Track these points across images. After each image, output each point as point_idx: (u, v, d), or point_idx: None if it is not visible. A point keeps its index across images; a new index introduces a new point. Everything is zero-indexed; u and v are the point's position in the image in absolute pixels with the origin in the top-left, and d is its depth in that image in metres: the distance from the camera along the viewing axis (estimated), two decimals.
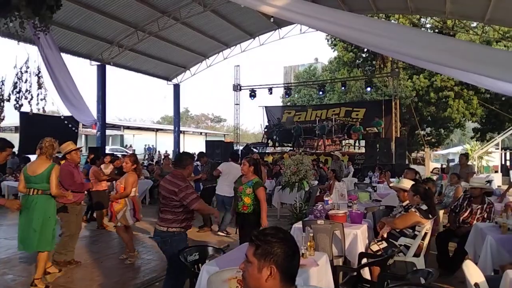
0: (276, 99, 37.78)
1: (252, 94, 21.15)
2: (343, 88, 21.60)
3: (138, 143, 33.84)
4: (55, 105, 11.02)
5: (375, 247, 4.55)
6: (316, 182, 10.59)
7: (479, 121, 25.05)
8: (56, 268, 5.19)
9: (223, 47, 20.06)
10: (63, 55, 12.98)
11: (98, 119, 16.85)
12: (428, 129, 26.39)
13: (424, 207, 4.54)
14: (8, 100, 5.93)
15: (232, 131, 28.96)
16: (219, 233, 7.78)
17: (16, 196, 10.89)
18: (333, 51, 27.41)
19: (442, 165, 19.34)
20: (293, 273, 1.66)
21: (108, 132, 21.33)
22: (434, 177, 13.09)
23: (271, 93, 21.08)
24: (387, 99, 20.05)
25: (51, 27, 6.35)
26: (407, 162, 16.87)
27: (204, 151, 17.61)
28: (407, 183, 5.14)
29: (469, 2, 12.75)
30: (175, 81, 21.93)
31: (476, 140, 26.03)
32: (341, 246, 4.52)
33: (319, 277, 3.21)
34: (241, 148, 21.89)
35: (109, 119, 20.70)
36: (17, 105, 5.97)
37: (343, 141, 19.10)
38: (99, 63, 17.16)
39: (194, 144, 32.91)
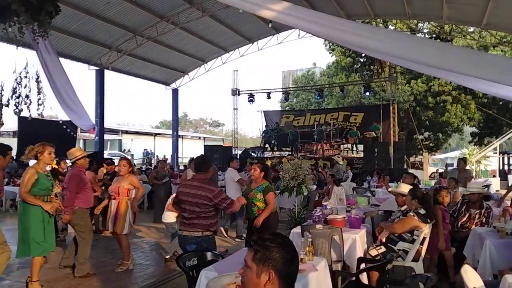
0: (275, 104, 37.87)
1: (251, 99, 21.19)
2: (341, 92, 21.68)
3: (136, 147, 33.80)
4: (53, 110, 11.02)
5: (373, 252, 4.54)
6: (315, 186, 10.59)
7: (477, 125, 25.14)
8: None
9: (222, 52, 20.13)
10: (62, 59, 12.99)
11: (96, 123, 16.85)
12: (426, 134, 26.46)
13: (422, 211, 4.54)
14: (7, 106, 5.93)
15: (230, 135, 28.96)
16: (236, 239, 7.78)
17: (14, 201, 10.85)
18: (331, 56, 27.57)
19: (437, 169, 19.35)
20: (292, 278, 1.66)
21: (106, 136, 21.33)
22: (432, 182, 13.14)
23: (269, 97, 21.13)
24: (385, 103, 20.11)
25: (49, 32, 6.36)
26: (405, 166, 16.90)
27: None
28: (405, 188, 5.15)
29: (466, 8, 12.84)
30: (173, 85, 21.97)
31: (474, 145, 26.08)
32: (340, 251, 4.51)
33: (318, 282, 3.20)
34: (239, 152, 21.92)
35: (107, 124, 20.72)
36: (17, 110, 5.97)
37: (342, 146, 19.15)
38: (97, 68, 17.19)
39: (192, 149, 32.87)
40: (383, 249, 4.53)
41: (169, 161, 20.18)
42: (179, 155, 25.21)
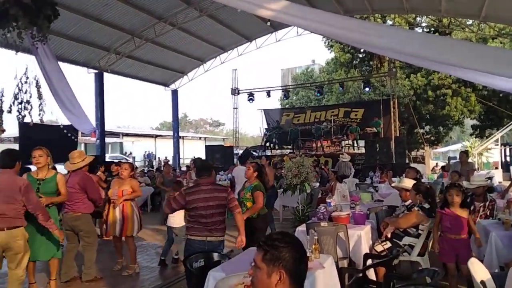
0: (275, 102, 37.93)
1: (251, 98, 21.15)
2: (341, 89, 21.65)
3: (137, 150, 33.85)
4: (53, 115, 11.02)
5: (379, 248, 4.55)
6: (318, 184, 10.59)
7: (478, 118, 25.09)
8: None
9: (220, 51, 20.10)
10: (60, 63, 12.95)
11: (97, 127, 16.84)
12: (427, 127, 26.43)
13: (426, 205, 4.54)
14: (10, 112, 5.92)
15: (231, 135, 28.97)
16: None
17: None
18: (330, 52, 27.50)
19: (437, 163, 19.33)
20: (302, 277, 1.66)
21: (107, 140, 21.33)
22: (435, 176, 13.14)
23: (269, 96, 21.09)
24: (385, 98, 20.06)
25: (48, 36, 6.36)
26: (407, 161, 16.88)
27: (204, 156, 17.66)
28: (408, 183, 5.16)
29: (464, 0, 12.81)
30: (173, 86, 21.94)
31: (475, 137, 26.07)
32: (346, 247, 4.51)
33: (325, 279, 3.21)
34: (240, 152, 21.91)
35: (108, 127, 20.68)
36: (20, 116, 5.97)
37: (343, 142, 19.12)
38: (96, 71, 17.17)
39: (193, 149, 32.90)
40: (388, 244, 4.54)
41: (170, 162, 20.20)
42: (181, 156, 25.20)
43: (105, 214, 5.73)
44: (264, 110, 23.08)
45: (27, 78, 6.05)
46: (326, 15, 5.77)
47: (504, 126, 22.07)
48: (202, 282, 3.13)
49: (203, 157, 15.16)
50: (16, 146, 16.12)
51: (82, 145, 26.22)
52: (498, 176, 16.04)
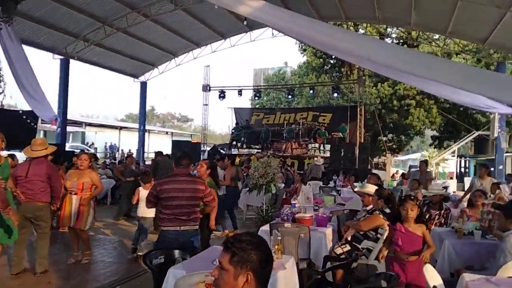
0: (245, 101, 37.92)
1: (222, 95, 21.04)
2: (311, 92, 21.99)
3: (100, 140, 32.79)
4: (13, 99, 10.51)
5: (339, 250, 4.64)
6: (283, 185, 10.69)
7: (438, 129, 26.20)
8: None
9: (193, 46, 19.85)
10: (25, 47, 12.35)
11: (58, 115, 16.17)
12: (390, 136, 27.28)
13: (387, 210, 4.68)
14: None
15: (199, 131, 28.71)
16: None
17: None
18: (303, 56, 27.86)
19: (397, 171, 20.04)
20: (267, 278, 1.67)
21: (69, 128, 20.52)
22: (394, 183, 13.58)
23: (240, 95, 21.06)
24: (352, 105, 20.53)
25: (14, 18, 6.05)
26: (369, 167, 17.35)
27: (170, 151, 17.38)
28: (371, 188, 5.29)
29: (433, 15, 13.35)
30: (142, 78, 21.48)
31: (434, 148, 27.21)
32: (307, 249, 4.58)
33: (286, 280, 3.24)
34: (208, 149, 21.76)
35: (70, 116, 19.94)
36: None
37: (309, 145, 19.43)
38: (62, 57, 16.53)
39: (159, 143, 32.30)
40: (348, 247, 4.63)
41: (134, 155, 19.73)
42: (145, 150, 24.70)
43: (61, 205, 5.51)
44: (234, 108, 23.05)
45: None
46: (302, 18, 5.84)
47: (462, 138, 23.19)
48: (162, 279, 3.08)
49: (169, 152, 14.90)
50: None
51: (42, 132, 25.11)
52: (452, 186, 16.81)
